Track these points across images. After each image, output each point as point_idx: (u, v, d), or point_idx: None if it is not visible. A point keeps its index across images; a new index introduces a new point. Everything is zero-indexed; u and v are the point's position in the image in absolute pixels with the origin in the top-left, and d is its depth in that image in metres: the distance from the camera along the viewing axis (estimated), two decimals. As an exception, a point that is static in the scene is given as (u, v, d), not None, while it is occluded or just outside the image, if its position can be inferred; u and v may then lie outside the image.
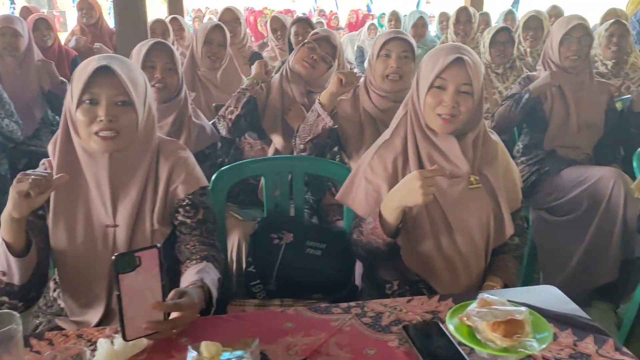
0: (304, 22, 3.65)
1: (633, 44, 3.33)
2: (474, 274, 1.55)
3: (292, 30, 3.64)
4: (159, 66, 1.97)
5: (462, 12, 3.98)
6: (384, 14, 9.31)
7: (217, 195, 1.70)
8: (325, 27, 6.78)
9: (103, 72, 1.30)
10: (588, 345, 1.07)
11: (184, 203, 1.43)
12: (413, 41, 2.12)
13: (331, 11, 12.97)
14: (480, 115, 1.55)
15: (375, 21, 7.67)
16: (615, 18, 3.35)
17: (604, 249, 2.28)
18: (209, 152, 2.16)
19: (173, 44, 3.79)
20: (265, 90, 2.33)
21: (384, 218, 1.43)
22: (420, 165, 1.52)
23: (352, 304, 1.22)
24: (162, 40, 2.02)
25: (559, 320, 1.14)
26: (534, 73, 2.69)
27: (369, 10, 12.09)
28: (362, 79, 2.19)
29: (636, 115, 2.48)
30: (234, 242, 1.95)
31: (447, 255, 1.52)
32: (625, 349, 1.06)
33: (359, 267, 1.76)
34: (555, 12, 4.32)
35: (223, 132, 2.26)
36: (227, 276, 1.77)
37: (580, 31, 2.50)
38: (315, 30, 2.41)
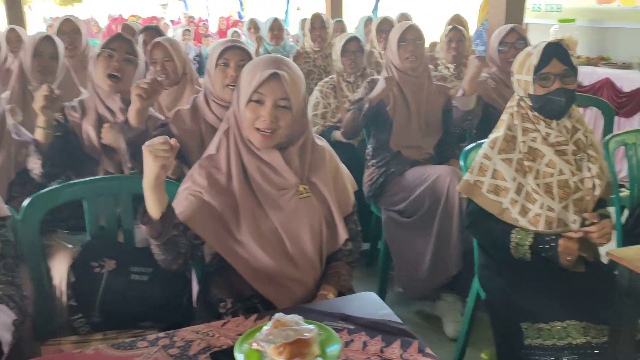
0: (151, 30, 3.49)
1: (469, 48, 3.57)
2: (309, 284, 1.54)
3: (140, 38, 3.47)
4: None
5: (317, 18, 4.03)
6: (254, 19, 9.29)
7: (28, 225, 1.54)
8: (192, 33, 6.62)
9: None
10: (394, 350, 1.09)
11: None
12: (249, 49, 2.09)
13: (200, 18, 12.75)
14: (305, 126, 1.55)
15: (241, 28, 7.61)
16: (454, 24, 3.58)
17: (447, 243, 2.39)
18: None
19: (6, 59, 3.43)
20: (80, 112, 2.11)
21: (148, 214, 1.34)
22: (247, 180, 1.48)
23: (161, 334, 1.15)
24: None
25: (371, 327, 1.15)
26: (378, 77, 2.78)
27: (239, 17, 12.02)
28: (201, 91, 2.11)
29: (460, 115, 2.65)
30: (62, 272, 1.79)
31: (281, 266, 1.49)
32: (428, 350, 1.09)
33: (196, 287, 1.69)
34: (404, 19, 4.53)
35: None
36: (45, 313, 1.61)
37: (413, 34, 2.64)
38: (107, 39, 2.15)
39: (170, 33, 7.43)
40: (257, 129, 1.45)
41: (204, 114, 2.05)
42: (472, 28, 5.10)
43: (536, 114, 1.75)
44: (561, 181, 1.72)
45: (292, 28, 9.12)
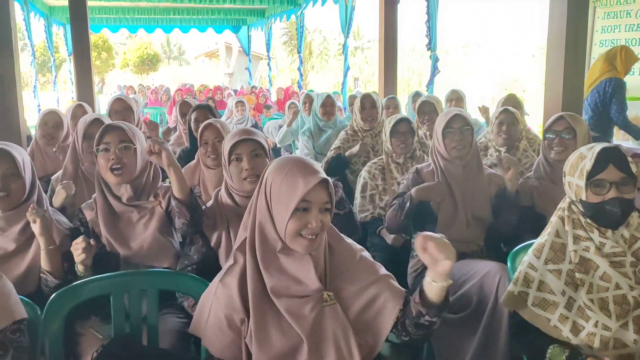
0: (204, 109, 3.60)
1: (523, 131, 3.45)
2: None
3: (193, 116, 3.58)
4: None
5: (367, 99, 4.04)
6: (311, 91, 9.55)
7: (51, 323, 1.53)
8: (246, 105, 6.80)
9: None
10: None
11: None
12: (259, 135, 2.08)
13: (260, 88, 13.23)
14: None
15: (298, 99, 7.80)
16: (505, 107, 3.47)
17: (492, 347, 2.20)
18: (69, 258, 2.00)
19: (68, 135, 3.59)
20: None
21: None
22: (266, 292, 1.42)
23: None
24: (1, 147, 1.89)
25: None
26: (423, 165, 2.70)
27: (299, 87, 12.36)
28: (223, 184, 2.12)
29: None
30: (91, 364, 1.75)
31: None
32: None
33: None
34: (456, 97, 4.47)
35: None
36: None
37: (459, 122, 2.55)
38: (98, 133, 2.14)
39: (230, 103, 7.69)
40: (301, 235, 1.39)
41: (226, 204, 2.06)
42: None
43: (589, 221, 1.61)
44: (618, 296, 1.55)
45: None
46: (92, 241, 1.79)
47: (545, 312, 1.57)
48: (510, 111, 3.35)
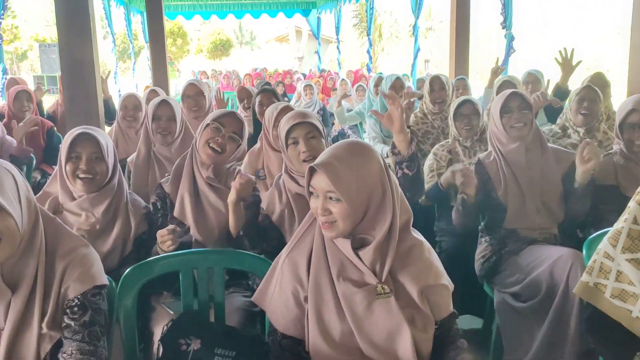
0: (268, 92, 3.64)
1: (605, 112, 3.23)
2: None
3: (257, 100, 3.64)
4: (84, 156, 1.97)
5: (435, 81, 3.93)
6: (381, 74, 9.42)
7: (126, 296, 1.61)
8: (315, 89, 6.81)
9: None
10: None
11: (73, 304, 1.37)
12: (313, 117, 2.11)
13: (329, 71, 13.19)
14: (383, 218, 1.40)
15: (366, 82, 7.72)
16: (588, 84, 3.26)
17: (562, 336, 2.11)
18: (145, 237, 2.10)
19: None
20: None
21: None
22: (326, 272, 1.42)
23: None
24: (87, 131, 1.99)
25: None
26: (485, 154, 2.59)
27: (368, 69, 12.24)
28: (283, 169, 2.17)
29: (599, 188, 2.35)
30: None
31: None
32: None
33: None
34: (532, 79, 4.24)
35: None
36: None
37: (516, 100, 2.44)
38: (220, 111, 2.23)
39: (299, 87, 7.75)
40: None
41: (288, 187, 2.10)
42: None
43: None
44: None
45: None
46: (176, 227, 1.82)
47: (625, 303, 1.47)
48: (592, 88, 3.14)
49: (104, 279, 1.45)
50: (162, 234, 1.80)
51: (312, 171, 1.40)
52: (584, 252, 1.82)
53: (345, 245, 1.41)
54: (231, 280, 2.06)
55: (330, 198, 1.38)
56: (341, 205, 1.36)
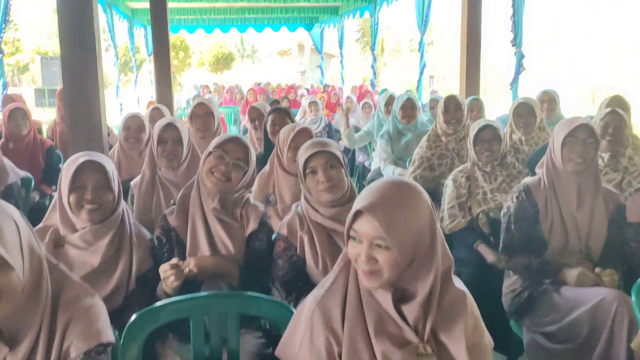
0: (282, 112, 3.51)
1: (630, 137, 3.09)
2: None
3: (269, 119, 3.50)
4: (90, 185, 1.83)
5: (450, 100, 3.78)
6: (385, 90, 9.31)
7: (130, 346, 1.45)
8: (320, 105, 6.70)
9: None
10: None
11: None
12: (333, 146, 2.00)
13: (332, 86, 13.09)
14: (429, 267, 1.24)
15: (371, 98, 7.61)
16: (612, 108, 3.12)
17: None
18: (151, 275, 1.94)
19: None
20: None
21: None
22: (363, 327, 1.26)
23: None
24: (92, 158, 1.84)
25: None
26: (533, 180, 2.40)
27: (372, 85, 12.15)
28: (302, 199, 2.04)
29: (633, 227, 2.20)
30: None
31: None
32: None
33: None
34: (548, 98, 4.12)
35: None
36: None
37: (585, 133, 2.26)
38: (223, 137, 2.08)
39: (304, 102, 7.63)
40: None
41: (309, 215, 1.99)
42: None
43: None
44: None
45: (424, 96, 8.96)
46: (179, 261, 1.72)
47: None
48: (618, 112, 3.01)
49: (110, 335, 1.31)
50: (164, 270, 1.71)
51: (356, 214, 1.25)
52: (632, 296, 1.66)
53: (385, 299, 1.25)
54: (241, 319, 1.90)
55: (379, 245, 1.22)
56: (390, 254, 1.21)
